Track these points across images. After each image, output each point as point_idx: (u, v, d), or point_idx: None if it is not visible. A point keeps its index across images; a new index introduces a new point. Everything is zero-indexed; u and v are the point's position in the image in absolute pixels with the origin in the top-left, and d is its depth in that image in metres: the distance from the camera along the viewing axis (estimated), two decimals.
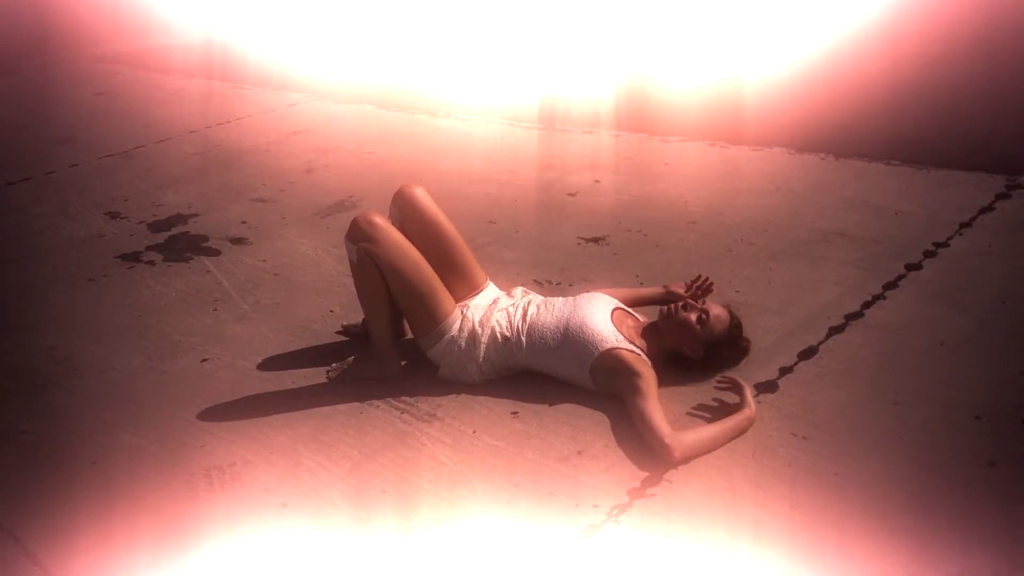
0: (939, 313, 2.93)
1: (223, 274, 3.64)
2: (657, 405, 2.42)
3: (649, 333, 2.70)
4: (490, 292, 2.92)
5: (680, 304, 2.68)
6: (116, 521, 2.26)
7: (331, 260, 3.72)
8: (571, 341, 2.61)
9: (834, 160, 4.44)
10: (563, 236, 3.79)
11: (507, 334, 2.70)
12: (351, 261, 2.70)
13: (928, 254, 3.34)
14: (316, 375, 2.87)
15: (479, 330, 2.71)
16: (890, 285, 3.13)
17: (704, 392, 2.61)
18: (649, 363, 2.58)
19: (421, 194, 2.90)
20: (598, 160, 4.71)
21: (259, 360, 2.98)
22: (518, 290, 2.91)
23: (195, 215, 4.31)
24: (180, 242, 4.00)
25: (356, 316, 3.19)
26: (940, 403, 2.48)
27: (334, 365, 2.85)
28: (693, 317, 2.64)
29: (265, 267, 3.70)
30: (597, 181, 4.40)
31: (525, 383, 2.71)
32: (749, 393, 2.48)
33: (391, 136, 5.42)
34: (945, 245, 3.40)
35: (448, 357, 2.72)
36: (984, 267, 3.21)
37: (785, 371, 2.68)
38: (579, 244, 3.71)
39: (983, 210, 3.68)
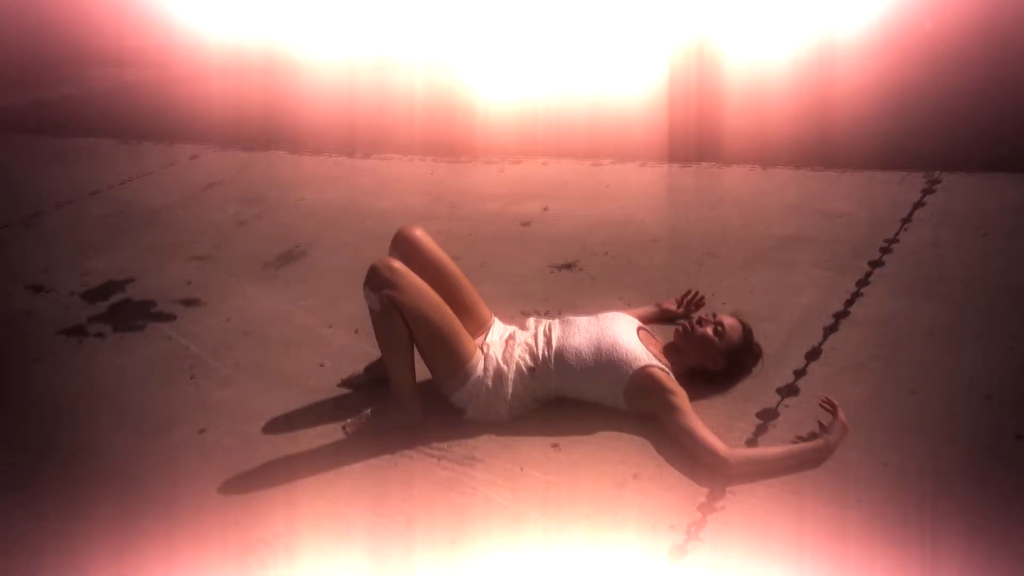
0: (916, 304, 3.12)
1: (187, 339, 3.43)
2: (699, 420, 2.46)
3: (670, 353, 2.74)
4: (499, 327, 2.89)
5: (694, 320, 2.75)
6: None
7: (301, 312, 3.57)
8: (604, 360, 2.61)
9: (761, 170, 4.67)
10: (532, 265, 3.80)
11: (533, 365, 2.67)
12: (372, 310, 2.60)
13: (884, 251, 3.55)
14: (330, 432, 2.74)
15: (504, 367, 2.67)
16: (862, 283, 3.31)
17: (728, 401, 2.67)
18: (676, 382, 2.62)
19: (421, 235, 2.85)
20: (538, 188, 4.75)
21: (262, 424, 2.82)
22: (531, 320, 2.90)
23: (130, 279, 4.05)
24: (125, 310, 3.74)
25: (348, 367, 3.08)
26: (952, 388, 2.63)
27: (350, 420, 2.73)
28: (710, 330, 2.70)
29: (231, 327, 3.51)
30: (546, 208, 4.44)
31: (553, 415, 2.68)
32: (838, 424, 2.40)
33: (315, 180, 5.28)
34: (896, 241, 3.63)
35: (476, 399, 2.66)
36: (939, 258, 3.44)
37: (799, 374, 2.78)
38: (552, 272, 3.72)
39: (916, 205, 3.95)
